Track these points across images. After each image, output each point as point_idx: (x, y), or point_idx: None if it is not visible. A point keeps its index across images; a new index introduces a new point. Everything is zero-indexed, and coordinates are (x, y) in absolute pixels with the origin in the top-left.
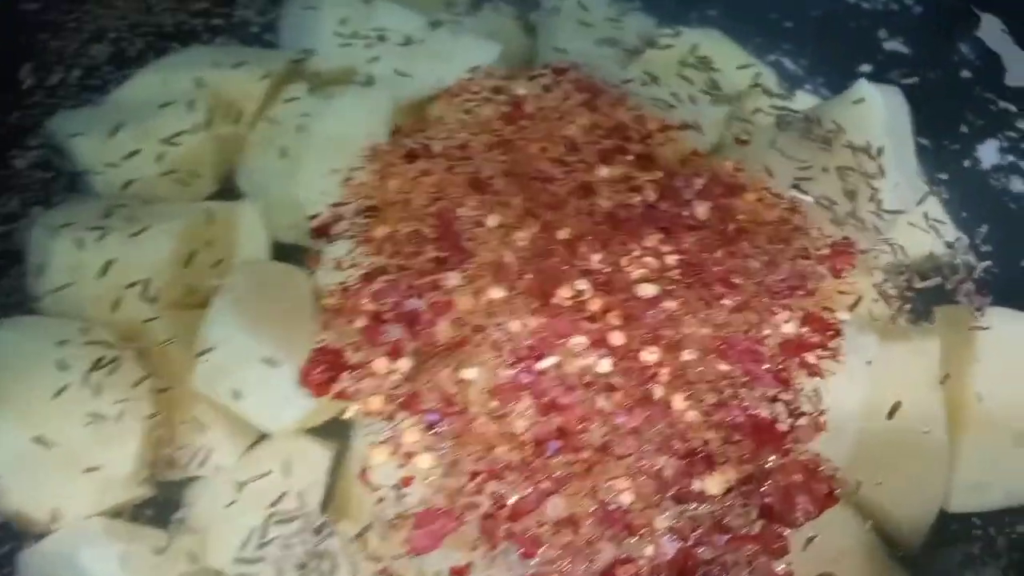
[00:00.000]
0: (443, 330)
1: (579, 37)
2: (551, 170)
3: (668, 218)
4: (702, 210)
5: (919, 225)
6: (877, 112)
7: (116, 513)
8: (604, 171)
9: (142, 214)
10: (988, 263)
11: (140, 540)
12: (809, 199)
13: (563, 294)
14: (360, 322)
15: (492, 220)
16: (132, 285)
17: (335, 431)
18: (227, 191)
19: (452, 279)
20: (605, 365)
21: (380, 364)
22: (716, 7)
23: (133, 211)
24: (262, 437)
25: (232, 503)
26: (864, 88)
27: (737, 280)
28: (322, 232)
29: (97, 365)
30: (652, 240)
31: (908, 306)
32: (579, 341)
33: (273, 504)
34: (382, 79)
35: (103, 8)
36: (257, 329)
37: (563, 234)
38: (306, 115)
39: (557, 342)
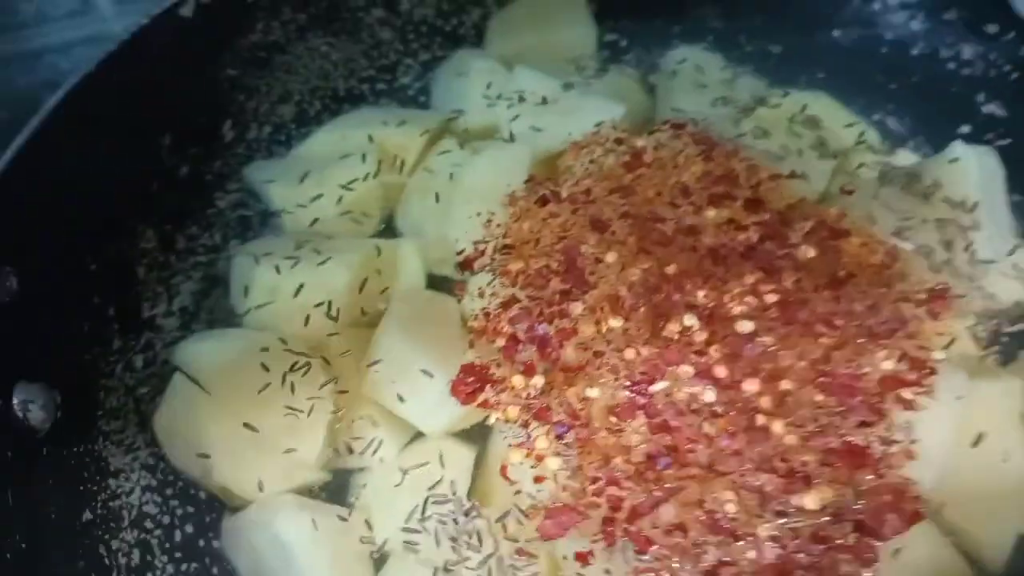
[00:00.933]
0: (569, 353)
1: (695, 97)
2: (663, 212)
3: (769, 258)
4: (808, 252)
5: (1009, 274)
6: (971, 170)
7: (303, 491)
8: (711, 212)
9: (325, 247)
10: None
11: (325, 511)
12: (909, 247)
13: (672, 328)
14: (499, 343)
15: (610, 256)
16: (319, 305)
17: (477, 435)
18: (389, 230)
19: (576, 308)
20: (710, 395)
21: (517, 380)
22: (824, 70)
23: (318, 245)
24: (417, 436)
25: (398, 484)
26: (959, 149)
27: (839, 321)
28: (467, 265)
29: (293, 368)
30: (752, 278)
31: (996, 348)
32: (686, 370)
33: (431, 488)
34: (520, 134)
35: (288, 75)
36: (416, 346)
37: (671, 270)
38: (457, 165)
39: (667, 370)
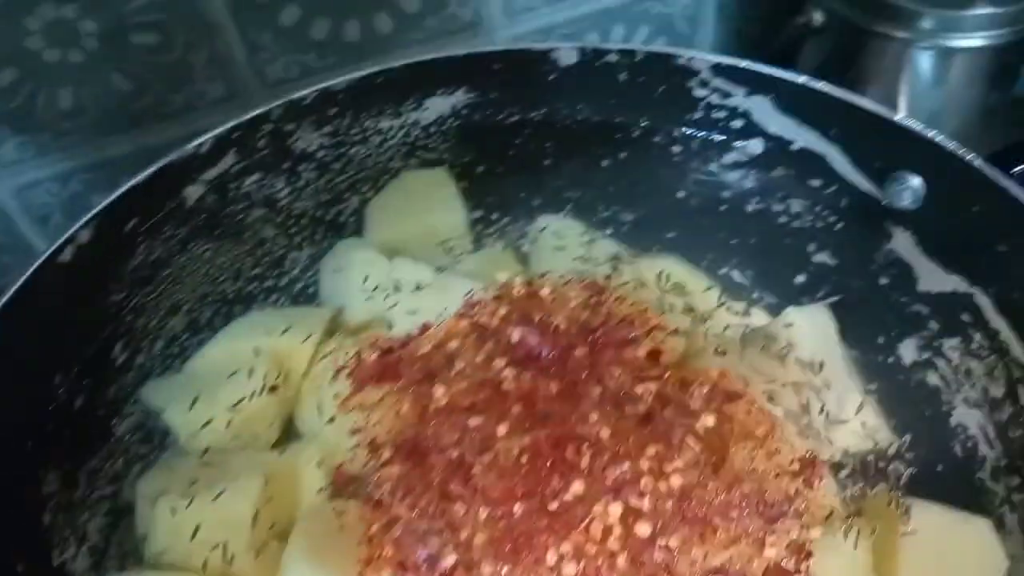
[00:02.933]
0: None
1: (556, 258)
2: (557, 364)
3: (668, 427)
4: (708, 420)
5: (859, 432)
6: (805, 333)
7: None
8: (616, 370)
9: (217, 477)
10: (913, 469)
11: None
12: (780, 412)
13: (594, 528)
14: (387, 572)
15: (501, 429)
16: (215, 548)
17: None
18: (292, 437)
19: (458, 512)
20: None
21: None
22: (673, 229)
23: (211, 475)
24: None
25: None
26: (791, 314)
27: (734, 512)
28: (343, 484)
29: None
30: (652, 451)
31: (852, 509)
32: None
33: None
34: (398, 320)
35: (175, 286)
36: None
37: (570, 452)
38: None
39: None
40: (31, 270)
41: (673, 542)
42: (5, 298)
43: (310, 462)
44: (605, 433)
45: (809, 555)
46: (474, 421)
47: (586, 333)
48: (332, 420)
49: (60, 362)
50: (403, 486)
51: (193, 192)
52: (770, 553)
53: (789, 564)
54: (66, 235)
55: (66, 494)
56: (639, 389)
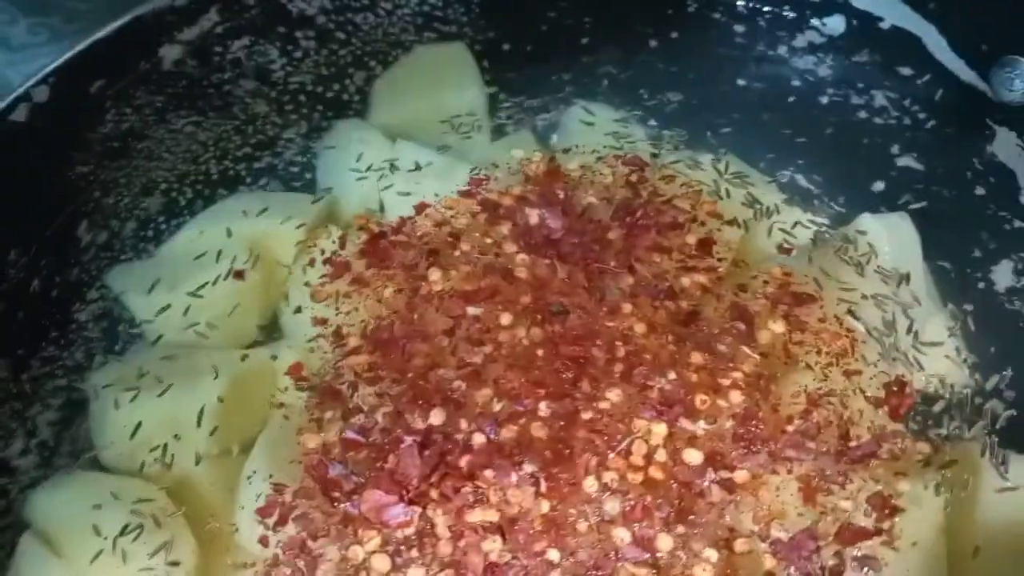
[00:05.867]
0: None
1: (586, 134)
2: (582, 249)
3: (722, 332)
4: (776, 326)
5: (953, 359)
6: (885, 242)
7: None
8: (657, 257)
9: (170, 373)
10: (1012, 412)
11: None
12: (861, 327)
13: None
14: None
15: (505, 319)
16: (154, 449)
17: None
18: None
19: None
20: None
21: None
22: (729, 123)
23: (165, 370)
24: None
25: None
26: (866, 221)
27: (811, 444)
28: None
29: (124, 531)
30: (699, 359)
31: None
32: (622, 537)
33: None
34: (391, 203)
35: (151, 162)
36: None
37: (597, 350)
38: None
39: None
40: None
41: (738, 476)
42: None
43: (274, 362)
44: (640, 328)
45: (895, 511)
46: (473, 309)
47: (623, 213)
48: (299, 310)
49: (16, 238)
50: (370, 378)
51: (170, 53)
52: (846, 505)
53: (868, 521)
54: (16, 91)
55: (15, 382)
56: (685, 281)
